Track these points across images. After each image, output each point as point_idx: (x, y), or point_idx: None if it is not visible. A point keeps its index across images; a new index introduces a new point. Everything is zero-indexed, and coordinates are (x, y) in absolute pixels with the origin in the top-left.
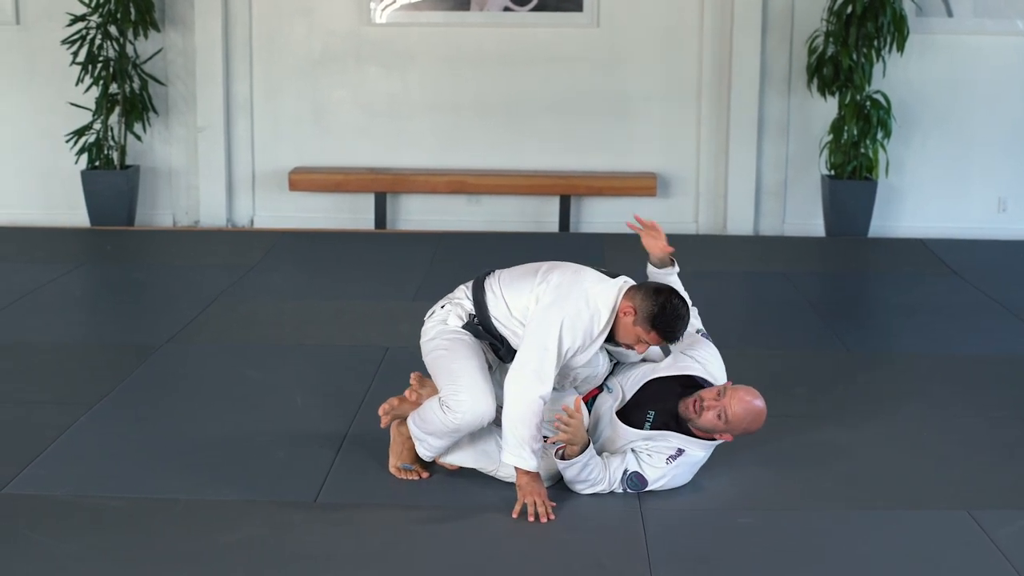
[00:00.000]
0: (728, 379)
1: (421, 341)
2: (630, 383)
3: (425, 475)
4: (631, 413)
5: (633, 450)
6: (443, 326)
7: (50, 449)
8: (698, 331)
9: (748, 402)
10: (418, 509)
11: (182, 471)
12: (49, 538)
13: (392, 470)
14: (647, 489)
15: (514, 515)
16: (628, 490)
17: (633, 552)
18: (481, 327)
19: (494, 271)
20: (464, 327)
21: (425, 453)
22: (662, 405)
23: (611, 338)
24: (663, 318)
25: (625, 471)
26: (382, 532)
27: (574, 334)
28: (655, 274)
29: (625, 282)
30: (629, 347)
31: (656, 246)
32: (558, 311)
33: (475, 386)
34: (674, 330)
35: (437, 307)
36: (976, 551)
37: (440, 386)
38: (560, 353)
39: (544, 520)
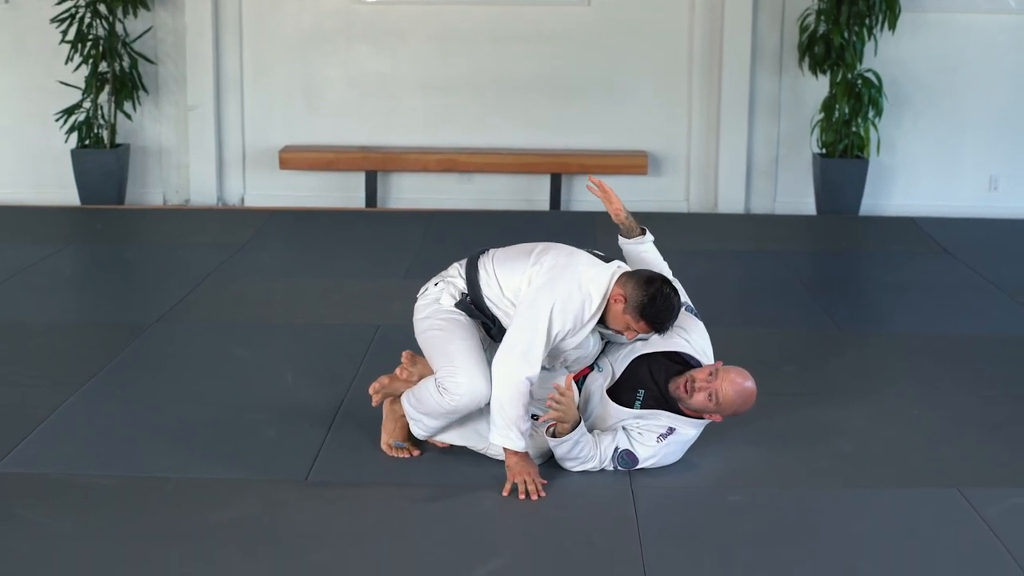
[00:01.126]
0: (717, 357)
1: (414, 319)
2: (619, 360)
3: (416, 453)
4: (621, 392)
5: (624, 428)
6: (437, 305)
7: (40, 428)
8: (685, 306)
9: (739, 384)
10: (410, 487)
11: (173, 450)
12: (41, 517)
13: (384, 448)
14: (638, 467)
15: (504, 494)
16: (619, 468)
17: (624, 530)
18: (473, 305)
19: (488, 250)
20: (456, 306)
21: (420, 433)
22: (651, 384)
23: (602, 322)
24: (652, 309)
25: (616, 449)
26: (374, 510)
27: (564, 318)
28: (625, 244)
29: (619, 267)
30: (619, 333)
31: (609, 210)
32: (549, 294)
33: (472, 368)
34: (663, 321)
35: (430, 285)
36: (966, 529)
37: (436, 367)
38: (549, 336)
39: (535, 498)
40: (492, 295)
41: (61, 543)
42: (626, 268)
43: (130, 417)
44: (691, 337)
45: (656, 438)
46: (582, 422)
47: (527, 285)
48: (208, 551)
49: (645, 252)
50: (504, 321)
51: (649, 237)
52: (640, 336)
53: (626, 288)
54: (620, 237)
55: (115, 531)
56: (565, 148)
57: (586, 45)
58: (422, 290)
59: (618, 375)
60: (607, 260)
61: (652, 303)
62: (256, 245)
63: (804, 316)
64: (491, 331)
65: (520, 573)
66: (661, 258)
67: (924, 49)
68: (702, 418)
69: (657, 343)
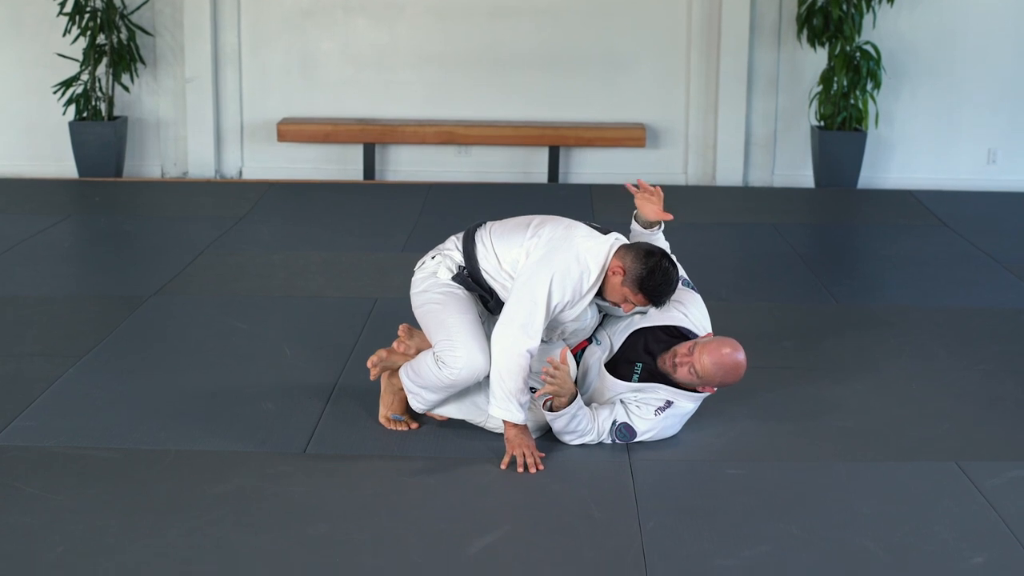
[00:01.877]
0: (715, 331)
1: (411, 292)
2: (617, 333)
3: (415, 426)
4: (619, 365)
5: (622, 401)
6: (434, 279)
7: (39, 401)
8: (682, 280)
9: (720, 355)
10: (408, 459)
11: (172, 422)
12: (41, 490)
13: (382, 420)
14: (636, 440)
15: (503, 466)
16: (617, 441)
17: (622, 502)
18: (470, 279)
19: (485, 223)
20: (453, 279)
21: (418, 406)
22: (648, 358)
23: (599, 294)
24: (651, 282)
25: (614, 422)
26: (372, 482)
27: (563, 290)
28: (639, 232)
29: (616, 239)
30: (616, 305)
31: (653, 211)
32: (548, 266)
33: (471, 342)
34: (661, 295)
35: (427, 258)
36: (964, 502)
37: (434, 341)
38: (548, 308)
39: (533, 471)
40: (490, 268)
41: (62, 515)
42: (624, 240)
43: (129, 389)
44: (689, 311)
45: (654, 411)
46: (579, 396)
47: (525, 257)
48: (207, 523)
49: (657, 243)
50: (501, 294)
51: (661, 227)
52: (638, 309)
53: (625, 260)
54: (636, 224)
55: (115, 503)
56: (563, 120)
57: (585, 17)
58: (419, 264)
59: (616, 349)
60: (605, 232)
61: (651, 276)
62: (254, 218)
63: (802, 290)
64: (488, 304)
65: (518, 545)
66: (665, 242)
67: (923, 21)
68: (698, 391)
69: (655, 317)
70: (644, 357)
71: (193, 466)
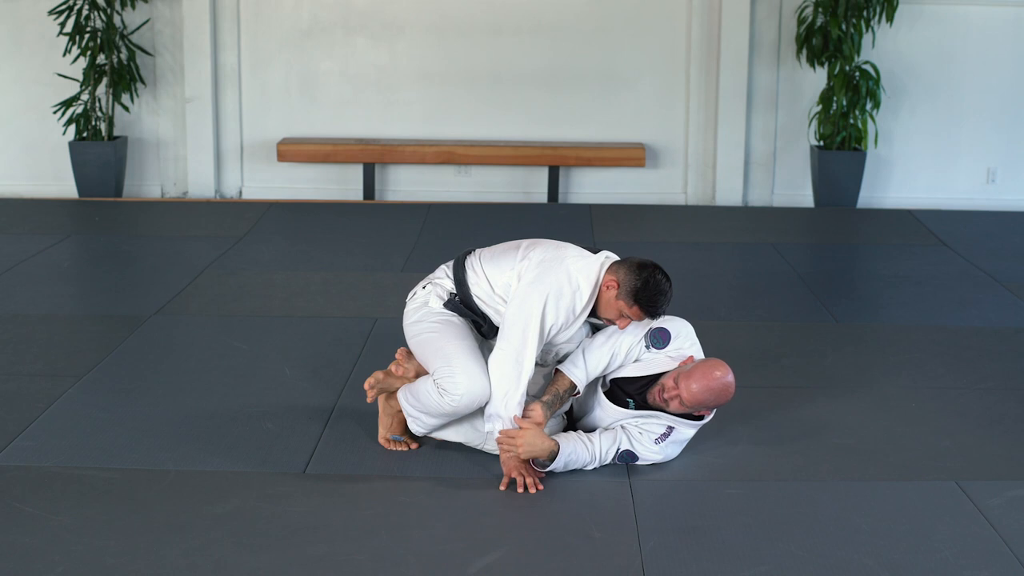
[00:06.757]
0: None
1: (404, 324)
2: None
3: (414, 446)
4: (614, 394)
5: (623, 427)
6: (427, 308)
7: (39, 421)
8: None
9: (708, 380)
10: (407, 480)
11: (172, 442)
12: (40, 510)
13: (381, 441)
14: (638, 463)
15: (502, 488)
16: (618, 463)
17: (622, 522)
18: (463, 305)
19: (474, 250)
20: (445, 306)
21: (417, 429)
22: (639, 396)
23: (593, 313)
24: (646, 292)
25: (618, 449)
26: (371, 502)
27: (556, 312)
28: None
29: (607, 257)
30: (610, 322)
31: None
32: (541, 289)
33: (471, 368)
34: (656, 305)
35: (418, 288)
36: (965, 522)
37: (433, 368)
38: (542, 332)
39: (533, 491)
40: (482, 294)
41: (62, 535)
42: (615, 258)
43: (129, 409)
44: (677, 355)
45: (655, 439)
46: (560, 447)
47: (517, 281)
48: (207, 543)
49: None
50: (495, 319)
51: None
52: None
53: (618, 273)
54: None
55: (114, 523)
56: (563, 140)
57: (584, 37)
58: (410, 295)
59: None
60: (595, 252)
61: (646, 286)
62: (254, 238)
63: (802, 308)
64: (482, 329)
65: (518, 566)
66: None
67: (922, 41)
68: (699, 418)
69: (638, 368)
70: (634, 394)
71: (193, 486)
